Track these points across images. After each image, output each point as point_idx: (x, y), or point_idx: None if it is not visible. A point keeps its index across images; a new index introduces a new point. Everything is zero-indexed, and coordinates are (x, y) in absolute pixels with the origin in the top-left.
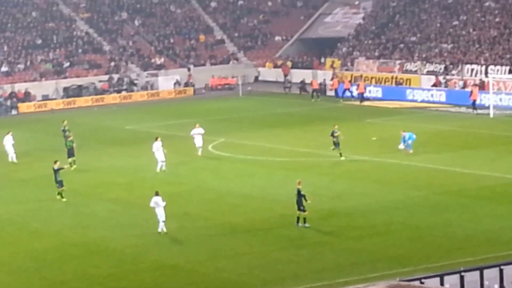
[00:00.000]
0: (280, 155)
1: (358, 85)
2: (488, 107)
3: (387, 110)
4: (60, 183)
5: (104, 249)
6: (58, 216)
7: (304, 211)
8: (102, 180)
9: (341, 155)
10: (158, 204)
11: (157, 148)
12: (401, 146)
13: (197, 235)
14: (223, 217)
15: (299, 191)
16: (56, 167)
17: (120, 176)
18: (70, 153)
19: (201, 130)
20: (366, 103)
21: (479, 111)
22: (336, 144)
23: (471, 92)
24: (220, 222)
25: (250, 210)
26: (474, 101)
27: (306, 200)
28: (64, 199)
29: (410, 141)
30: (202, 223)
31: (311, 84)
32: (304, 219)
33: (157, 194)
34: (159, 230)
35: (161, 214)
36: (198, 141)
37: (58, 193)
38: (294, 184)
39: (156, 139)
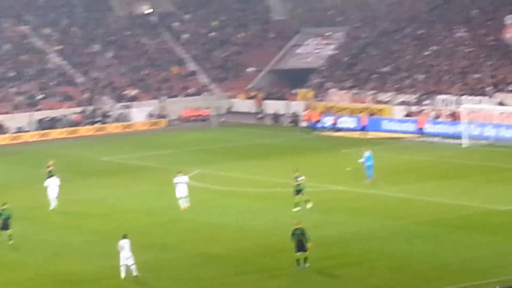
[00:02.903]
0: (255, 185)
1: (361, 118)
2: (461, 137)
3: (361, 140)
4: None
5: (81, 280)
6: (35, 248)
7: (306, 250)
8: (80, 212)
9: (305, 202)
10: (123, 247)
11: (49, 184)
12: (361, 160)
13: (174, 265)
14: (200, 247)
15: (303, 231)
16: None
17: (98, 207)
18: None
19: (185, 178)
20: (339, 133)
21: (454, 141)
22: (299, 191)
23: (418, 120)
24: (197, 252)
25: (227, 240)
26: (421, 129)
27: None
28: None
29: (369, 171)
30: (179, 254)
31: (308, 116)
32: (306, 258)
33: (124, 237)
34: (123, 276)
35: (127, 257)
36: (181, 191)
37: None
38: (271, 214)
39: (51, 175)
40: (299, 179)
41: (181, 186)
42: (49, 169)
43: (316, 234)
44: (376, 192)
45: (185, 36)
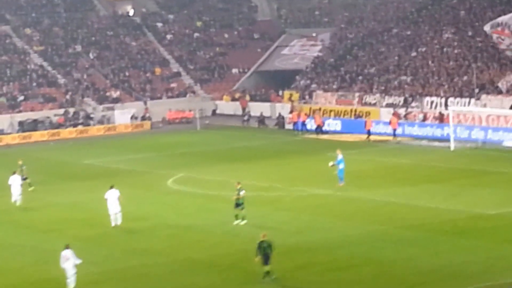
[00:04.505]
0: None
1: (366, 121)
2: (448, 140)
3: (347, 143)
4: None
5: (64, 286)
6: (18, 253)
7: (268, 264)
8: (62, 216)
9: (241, 218)
10: (68, 258)
11: (12, 182)
12: (331, 163)
13: (158, 271)
14: (184, 252)
15: (269, 244)
16: None
17: (80, 212)
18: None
19: (117, 193)
20: (325, 136)
21: (440, 144)
22: (239, 204)
23: (390, 121)
24: (181, 258)
25: (212, 245)
26: (394, 130)
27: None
28: None
29: (340, 174)
30: (164, 259)
31: (314, 119)
32: (269, 272)
33: (67, 247)
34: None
35: (69, 268)
36: (113, 207)
37: None
38: (255, 218)
39: (14, 172)
40: (241, 193)
41: (113, 201)
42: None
43: (303, 239)
44: (362, 196)
45: (168, 36)
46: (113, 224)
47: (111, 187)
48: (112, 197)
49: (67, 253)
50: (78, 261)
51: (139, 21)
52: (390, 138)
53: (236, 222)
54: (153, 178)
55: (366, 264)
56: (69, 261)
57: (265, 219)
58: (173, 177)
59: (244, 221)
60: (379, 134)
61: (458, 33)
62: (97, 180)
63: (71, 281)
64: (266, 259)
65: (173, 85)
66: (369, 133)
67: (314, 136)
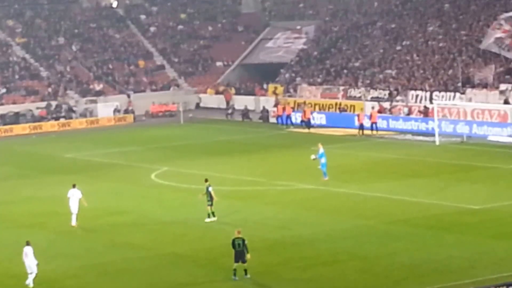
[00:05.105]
0: (224, 184)
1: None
2: (433, 134)
3: (332, 137)
4: None
5: (45, 280)
6: None
7: (245, 261)
8: (43, 210)
9: (213, 215)
10: (27, 255)
11: None
12: (313, 156)
13: (140, 266)
14: (166, 247)
15: (243, 241)
16: None
17: (61, 205)
18: None
19: (78, 194)
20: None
21: (425, 138)
22: (209, 200)
23: (371, 114)
24: (163, 252)
25: (194, 239)
26: (374, 123)
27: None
28: None
29: (323, 169)
30: (145, 253)
31: (303, 114)
32: (246, 270)
33: (28, 244)
34: (27, 282)
35: (29, 265)
36: (74, 206)
37: None
38: (239, 213)
39: None
40: (209, 189)
41: (74, 201)
42: None
43: (287, 234)
44: (347, 191)
45: (152, 29)
46: (74, 224)
47: (73, 186)
48: (74, 196)
49: (26, 250)
50: (34, 262)
51: (122, 13)
52: (373, 132)
53: (207, 219)
54: (136, 172)
55: (351, 259)
56: (28, 258)
57: (249, 214)
58: (157, 171)
59: (214, 219)
60: (367, 129)
61: (442, 26)
62: (79, 174)
63: (30, 278)
64: (240, 256)
65: (143, 79)
66: (362, 127)
67: (299, 129)
